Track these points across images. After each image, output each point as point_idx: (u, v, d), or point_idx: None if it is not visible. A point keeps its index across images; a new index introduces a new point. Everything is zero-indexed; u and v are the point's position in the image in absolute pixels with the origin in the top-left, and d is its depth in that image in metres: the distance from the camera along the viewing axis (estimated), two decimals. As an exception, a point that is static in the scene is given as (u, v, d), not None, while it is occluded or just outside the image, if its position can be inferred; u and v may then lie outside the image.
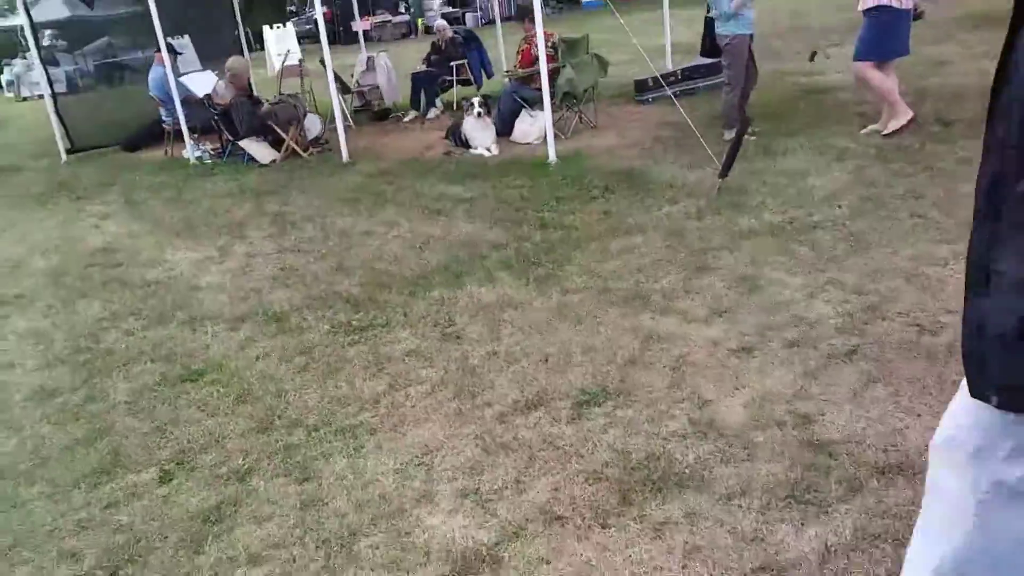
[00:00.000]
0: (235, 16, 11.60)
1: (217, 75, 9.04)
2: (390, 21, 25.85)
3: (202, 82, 8.64)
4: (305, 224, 5.84)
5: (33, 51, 9.52)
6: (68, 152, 9.68)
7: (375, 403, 3.11)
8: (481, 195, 5.86)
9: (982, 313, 1.03)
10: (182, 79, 8.57)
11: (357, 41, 25.11)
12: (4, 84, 22.89)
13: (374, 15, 26.01)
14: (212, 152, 8.83)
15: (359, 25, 25.82)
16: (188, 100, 8.56)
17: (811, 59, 8.04)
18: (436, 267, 4.54)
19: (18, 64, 22.52)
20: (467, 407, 2.99)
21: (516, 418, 2.86)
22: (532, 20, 6.89)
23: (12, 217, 7.19)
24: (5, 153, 11.14)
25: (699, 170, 5.52)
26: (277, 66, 8.61)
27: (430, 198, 5.99)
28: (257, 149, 7.93)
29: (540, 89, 6.42)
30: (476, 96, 7.39)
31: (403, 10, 27.78)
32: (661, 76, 7.68)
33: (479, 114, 7.11)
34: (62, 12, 22.44)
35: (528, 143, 7.24)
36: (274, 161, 7.91)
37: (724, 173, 5.00)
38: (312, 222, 5.87)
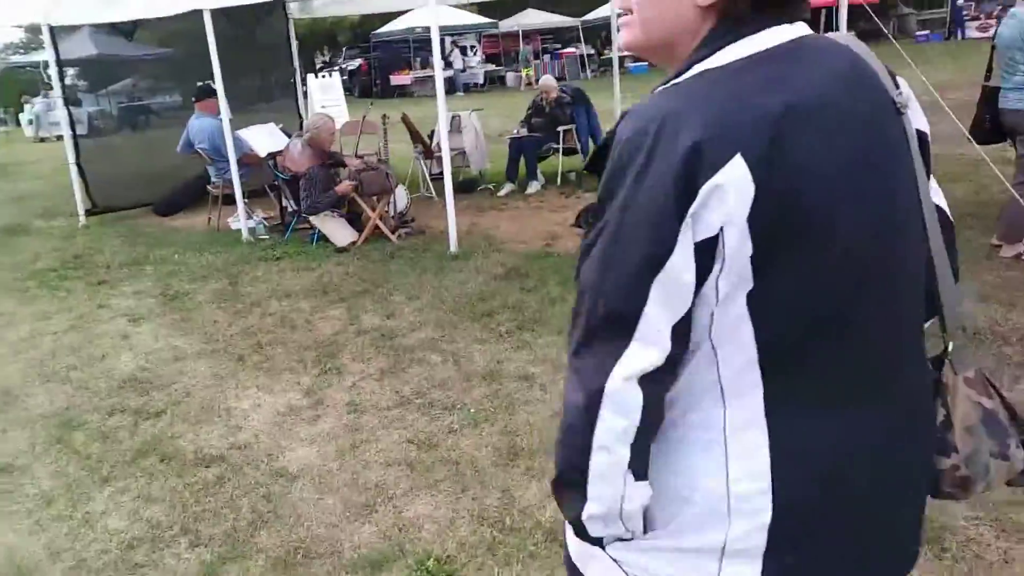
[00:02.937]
0: (290, 58, 9.94)
1: (282, 129, 7.37)
2: (433, 76, 24.52)
3: (264, 138, 6.94)
4: (427, 354, 4.03)
5: (57, 89, 7.86)
6: (88, 213, 7.94)
7: None
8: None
9: None
10: (240, 133, 6.87)
11: (394, 96, 23.95)
12: (24, 123, 21.48)
13: (414, 68, 24.74)
14: (267, 223, 7.09)
15: (399, 79, 24.70)
16: (242, 159, 6.87)
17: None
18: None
19: (39, 103, 21.17)
20: None
21: None
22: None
23: (6, 308, 5.38)
24: (12, 208, 9.40)
25: None
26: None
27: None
28: (334, 227, 6.17)
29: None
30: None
31: (446, 65, 26.47)
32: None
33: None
34: (88, 49, 21.13)
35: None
36: (354, 243, 6.14)
37: None
38: (437, 351, 4.05)
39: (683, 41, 0.93)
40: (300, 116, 10.09)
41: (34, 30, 35.96)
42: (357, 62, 25.10)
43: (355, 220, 6.37)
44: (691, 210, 0.83)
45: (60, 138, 19.79)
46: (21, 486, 3.10)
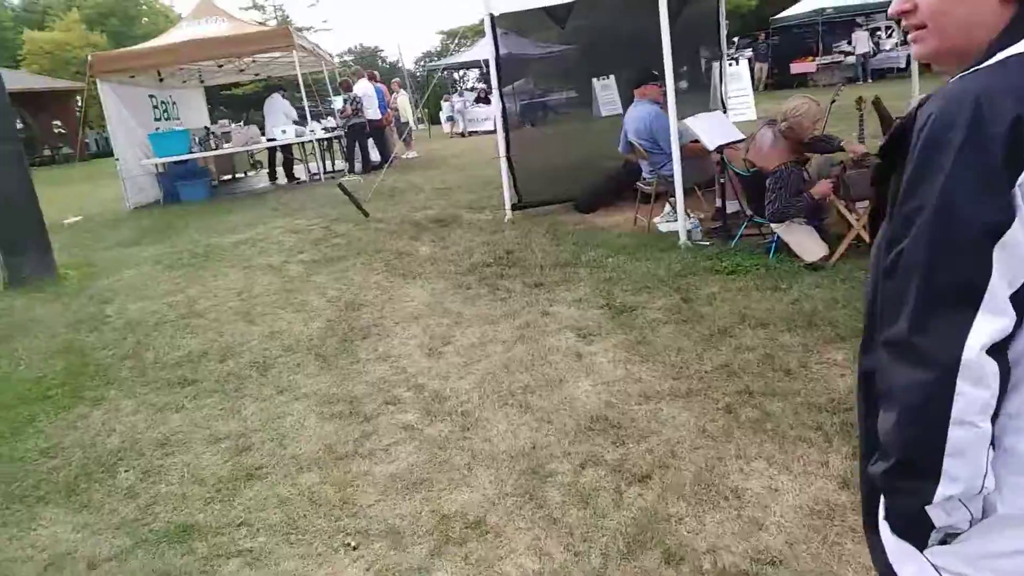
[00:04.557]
0: (717, 41, 8.91)
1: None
2: (840, 61, 21.73)
3: (714, 128, 5.97)
4: None
5: (494, 81, 7.82)
6: (514, 207, 7.82)
7: None
8: None
9: None
10: (687, 122, 5.99)
11: (793, 86, 21.75)
12: (443, 120, 23.96)
13: (819, 55, 22.17)
14: (700, 224, 6.14)
15: (800, 67, 22.42)
16: (683, 152, 5.99)
17: None
18: None
19: (456, 101, 23.37)
20: None
21: None
22: None
23: (453, 306, 5.15)
24: (440, 200, 9.86)
25: None
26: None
27: None
28: (802, 238, 4.96)
29: None
30: None
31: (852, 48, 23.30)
32: None
33: None
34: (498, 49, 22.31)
35: None
36: (826, 259, 4.87)
37: None
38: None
39: (979, 37, 0.97)
40: (723, 104, 9.07)
41: (452, 35, 40.67)
42: (750, 50, 23.38)
43: (819, 228, 5.10)
44: (1020, 180, 0.86)
45: (472, 134, 21.71)
46: (499, 559, 2.46)
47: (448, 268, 6.13)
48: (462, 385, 3.79)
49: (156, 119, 14.26)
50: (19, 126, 31.07)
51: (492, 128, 21.58)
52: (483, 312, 4.89)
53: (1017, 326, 0.88)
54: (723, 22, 8.81)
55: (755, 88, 19.60)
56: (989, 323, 0.86)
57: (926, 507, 0.94)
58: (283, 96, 14.42)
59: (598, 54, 9.21)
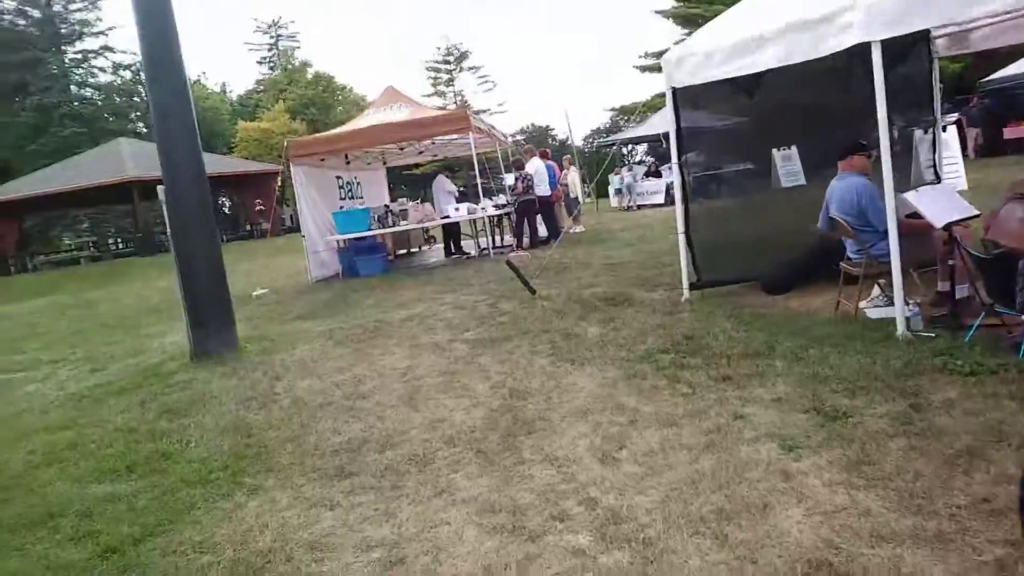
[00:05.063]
0: (931, 106, 7.95)
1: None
2: (1064, 125, 19.23)
3: (940, 202, 5.12)
4: None
5: (674, 155, 7.38)
6: (692, 287, 7.22)
7: None
8: None
9: None
10: (907, 196, 5.20)
11: (1006, 153, 19.49)
12: (611, 193, 23.78)
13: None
14: (923, 312, 5.22)
15: (1015, 131, 20.09)
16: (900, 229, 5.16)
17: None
18: None
19: (625, 175, 23.16)
20: None
21: None
22: None
23: (627, 401, 4.61)
24: (608, 275, 9.41)
25: None
26: None
27: None
28: (1068, 334, 4.00)
29: None
30: None
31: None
32: None
33: None
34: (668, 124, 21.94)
35: None
36: (1103, 361, 3.87)
37: None
38: None
39: None
40: (937, 175, 8.03)
41: (627, 111, 41.07)
42: (954, 115, 21.36)
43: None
44: None
45: (641, 208, 21.32)
46: None
47: (619, 354, 5.62)
48: (641, 502, 3.22)
49: (342, 198, 15.11)
50: (228, 204, 34.63)
51: (661, 201, 21.18)
52: (662, 410, 4.31)
53: None
54: (936, 85, 7.87)
55: (965, 156, 17.78)
56: None
57: None
58: (447, 176, 14.90)
59: (778, 124, 8.56)
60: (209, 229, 7.55)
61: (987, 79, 20.58)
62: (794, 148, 8.49)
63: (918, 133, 8.30)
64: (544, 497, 3.39)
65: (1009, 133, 19.25)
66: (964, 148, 17.82)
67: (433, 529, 3.24)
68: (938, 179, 7.92)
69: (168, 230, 7.34)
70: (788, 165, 8.51)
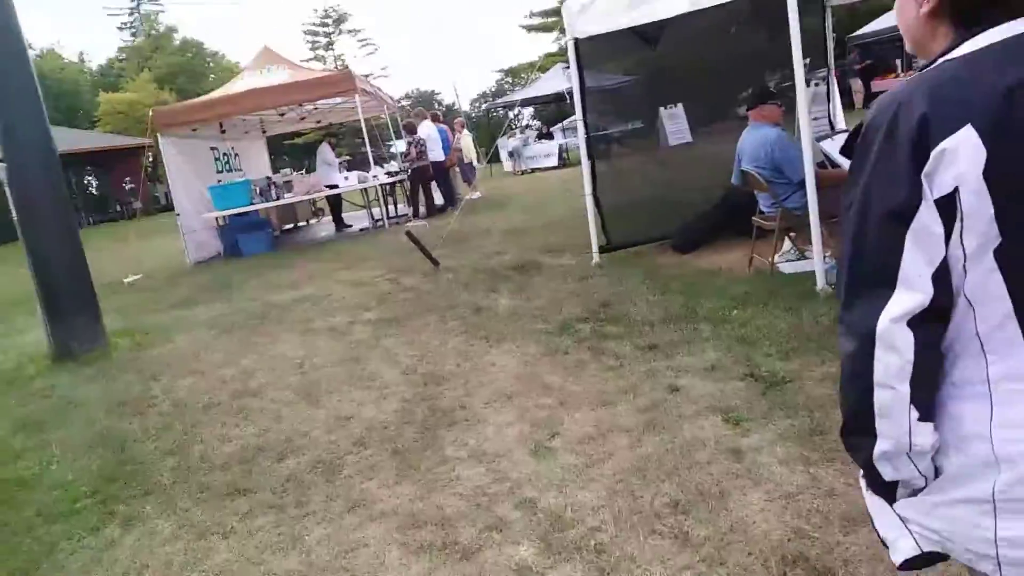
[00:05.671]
0: (824, 56, 7.95)
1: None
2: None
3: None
4: None
5: (579, 113, 7.04)
6: (602, 250, 6.94)
7: None
8: None
9: None
10: (823, 145, 5.04)
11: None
12: (504, 158, 23.38)
13: (904, 72, 20.78)
14: (837, 265, 5.12)
15: (883, 84, 21.06)
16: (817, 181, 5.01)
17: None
18: None
19: (516, 139, 22.81)
20: None
21: None
22: None
23: (552, 380, 4.25)
24: (513, 243, 9.03)
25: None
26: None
27: None
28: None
29: None
30: None
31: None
32: None
33: None
34: (560, 84, 21.82)
35: None
36: None
37: None
38: None
39: (926, 44, 1.11)
40: (831, 125, 8.06)
41: (513, 72, 40.54)
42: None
43: None
44: (925, 170, 0.97)
45: (534, 171, 21.04)
46: None
47: (536, 326, 5.26)
48: (586, 500, 2.87)
49: (219, 171, 13.98)
50: (95, 183, 31.89)
51: (555, 164, 20.97)
52: (592, 387, 3.98)
53: (950, 303, 1.00)
54: (830, 35, 7.85)
55: (854, 106, 18.45)
56: (903, 298, 0.99)
57: (874, 461, 1.09)
58: (330, 146, 14.05)
59: (669, 82, 8.40)
60: (63, 211, 6.61)
61: (855, 34, 21.39)
62: (680, 106, 8.34)
63: (812, 84, 8.30)
64: (475, 503, 2.97)
65: (877, 86, 20.13)
66: (849, 100, 18.57)
67: (349, 554, 2.77)
68: (832, 129, 7.93)
69: (14, 214, 6.36)
70: (674, 124, 8.37)
